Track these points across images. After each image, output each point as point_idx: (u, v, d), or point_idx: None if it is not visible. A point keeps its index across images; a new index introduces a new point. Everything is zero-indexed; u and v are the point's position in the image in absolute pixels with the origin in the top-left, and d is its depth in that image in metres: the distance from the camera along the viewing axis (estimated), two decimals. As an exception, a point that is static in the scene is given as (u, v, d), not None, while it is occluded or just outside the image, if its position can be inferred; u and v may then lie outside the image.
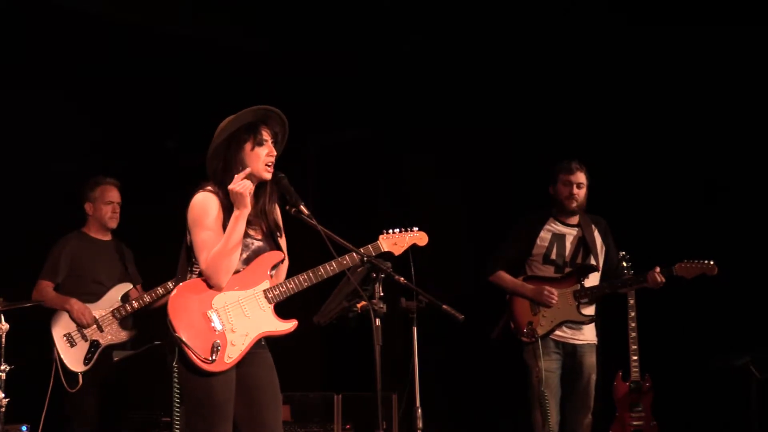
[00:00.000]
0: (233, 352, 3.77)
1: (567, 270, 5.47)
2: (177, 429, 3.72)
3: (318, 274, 3.89)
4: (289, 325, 3.90)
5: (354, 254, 3.89)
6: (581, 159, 5.57)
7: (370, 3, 6.77)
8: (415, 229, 4.16)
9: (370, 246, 4.05)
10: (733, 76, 6.19)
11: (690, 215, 6.29)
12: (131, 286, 5.76)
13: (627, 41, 6.44)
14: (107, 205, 5.71)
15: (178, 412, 3.71)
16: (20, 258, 6.00)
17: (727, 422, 6.08)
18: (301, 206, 3.84)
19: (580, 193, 5.47)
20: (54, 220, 6.14)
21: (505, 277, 5.53)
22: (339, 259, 3.88)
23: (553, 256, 5.50)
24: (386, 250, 4.08)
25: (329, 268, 3.89)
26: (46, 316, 5.54)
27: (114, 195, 5.74)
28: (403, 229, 4.13)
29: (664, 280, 5.36)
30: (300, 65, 7.00)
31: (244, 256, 3.87)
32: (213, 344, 3.72)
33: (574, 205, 5.48)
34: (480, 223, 6.86)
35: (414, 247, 4.13)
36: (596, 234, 5.56)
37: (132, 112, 6.82)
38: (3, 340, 4.92)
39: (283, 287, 3.88)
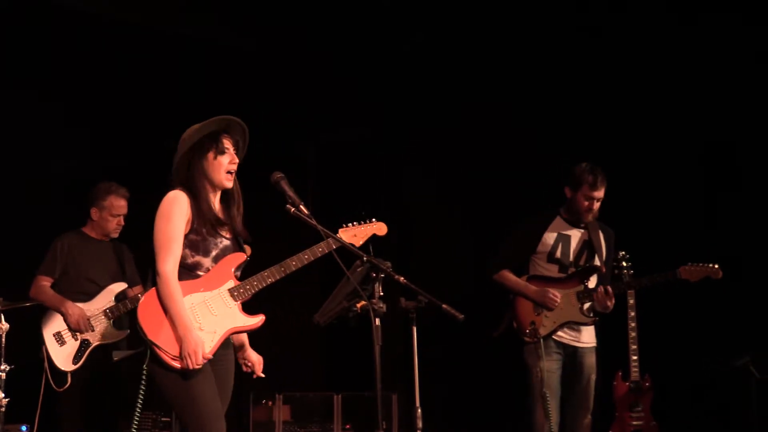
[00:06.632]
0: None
1: (571, 270, 5.44)
2: (135, 430, 3.80)
3: (281, 270, 3.92)
4: (256, 320, 3.93)
5: (316, 249, 3.91)
6: (584, 158, 5.50)
7: (370, 3, 6.77)
8: (374, 219, 4.19)
9: (330, 240, 3.96)
10: (736, 76, 6.20)
11: (690, 215, 6.29)
12: (126, 286, 5.74)
13: (626, 39, 6.44)
14: (115, 218, 5.70)
15: (138, 413, 3.78)
16: (20, 258, 5.99)
17: (727, 422, 6.09)
18: (301, 206, 3.86)
19: (597, 206, 5.39)
20: (54, 219, 6.13)
21: (509, 276, 5.48)
22: (300, 254, 3.91)
23: (558, 255, 5.46)
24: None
25: (292, 264, 3.92)
26: (43, 314, 5.54)
27: (123, 207, 5.72)
28: (361, 221, 4.16)
29: (610, 302, 5.30)
30: (299, 65, 7.00)
31: (214, 253, 3.92)
32: None
33: (590, 218, 5.42)
34: (480, 223, 6.86)
35: (374, 237, 4.14)
36: (602, 239, 5.50)
37: (132, 112, 6.82)
38: (3, 339, 4.92)
39: (247, 284, 3.92)
